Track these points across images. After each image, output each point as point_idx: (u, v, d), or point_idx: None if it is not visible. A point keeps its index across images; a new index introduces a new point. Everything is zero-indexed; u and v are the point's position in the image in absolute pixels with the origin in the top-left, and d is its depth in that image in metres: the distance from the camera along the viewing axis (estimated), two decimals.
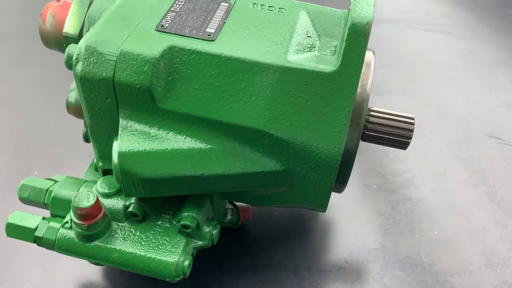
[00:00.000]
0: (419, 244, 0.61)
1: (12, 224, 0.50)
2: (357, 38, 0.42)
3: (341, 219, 0.64)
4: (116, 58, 0.43)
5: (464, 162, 0.72)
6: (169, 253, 0.47)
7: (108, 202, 0.49)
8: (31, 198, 0.52)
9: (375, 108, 0.52)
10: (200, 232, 0.49)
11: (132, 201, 0.49)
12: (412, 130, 0.51)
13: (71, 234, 0.47)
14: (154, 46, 0.44)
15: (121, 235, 0.48)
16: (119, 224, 0.49)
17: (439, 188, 0.68)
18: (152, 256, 0.46)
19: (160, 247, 0.47)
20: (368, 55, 0.48)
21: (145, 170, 0.44)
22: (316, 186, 0.47)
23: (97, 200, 0.46)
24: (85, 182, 0.52)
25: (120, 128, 0.45)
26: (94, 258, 0.47)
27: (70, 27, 0.49)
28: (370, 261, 0.59)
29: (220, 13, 0.49)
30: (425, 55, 0.95)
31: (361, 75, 0.46)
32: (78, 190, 0.50)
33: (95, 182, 0.51)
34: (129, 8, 0.48)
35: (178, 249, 0.47)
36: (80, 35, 0.50)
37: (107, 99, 0.45)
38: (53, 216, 0.50)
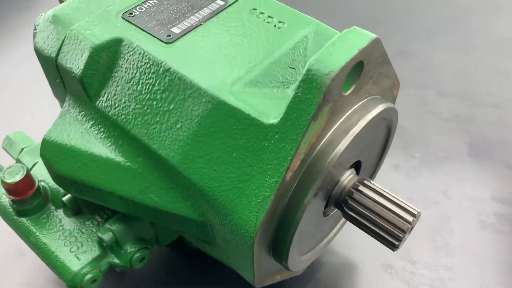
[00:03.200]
0: None
1: None
2: (308, 90, 0.30)
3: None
4: (64, 38, 0.39)
5: None
6: (75, 259, 0.42)
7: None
8: (9, 151, 0.52)
9: (370, 183, 0.38)
10: (121, 249, 0.43)
11: None
12: (404, 231, 0.36)
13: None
14: (102, 33, 0.38)
15: (48, 221, 0.45)
16: (55, 209, 0.46)
17: None
18: (59, 256, 0.43)
19: (72, 249, 0.43)
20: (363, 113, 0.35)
21: (60, 167, 0.39)
22: (239, 255, 0.36)
23: (27, 178, 0.43)
24: None
25: (59, 114, 0.41)
26: (18, 233, 0.46)
27: None
28: None
29: (205, 12, 0.40)
30: None
31: (329, 140, 0.33)
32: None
33: None
34: None
35: (86, 259, 0.42)
36: None
37: (56, 79, 0.42)
38: None
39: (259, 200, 0.32)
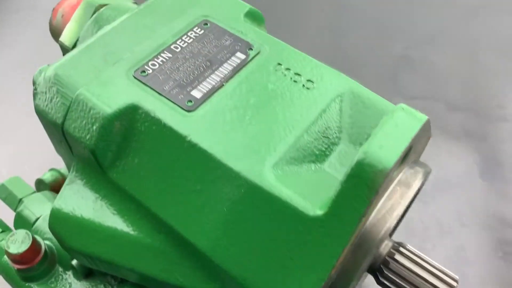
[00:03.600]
0: None
1: None
2: (359, 187, 0.27)
3: None
4: (70, 103, 0.35)
5: None
6: None
7: None
8: (6, 202, 0.48)
9: (405, 250, 0.36)
10: None
11: None
12: None
13: None
14: (114, 99, 0.34)
15: (57, 286, 0.42)
16: (63, 271, 0.43)
17: None
18: None
19: None
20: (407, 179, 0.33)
21: (73, 241, 0.36)
22: None
23: (33, 245, 0.40)
24: None
25: (67, 180, 0.38)
26: None
27: (66, 36, 0.42)
28: None
29: (226, 68, 0.36)
30: None
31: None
32: (46, 211, 0.46)
33: None
34: (122, 34, 0.38)
35: None
36: (74, 47, 0.42)
37: (61, 141, 0.38)
38: None
39: None
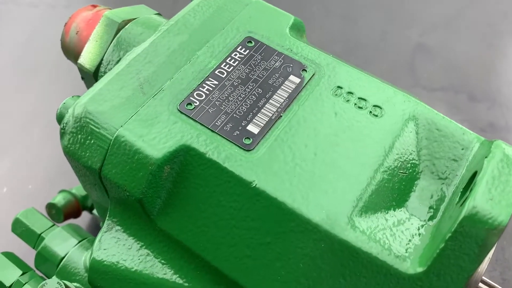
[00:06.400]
0: None
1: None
2: (467, 245, 0.24)
3: None
4: (109, 146, 0.31)
5: None
6: None
7: None
8: (22, 238, 0.44)
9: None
10: None
11: None
12: None
13: None
14: (162, 140, 0.30)
15: None
16: None
17: None
18: None
19: None
20: None
21: None
22: None
23: None
24: (82, 240, 0.42)
25: (104, 227, 0.33)
26: None
27: (86, 58, 0.36)
28: None
29: (281, 96, 0.32)
30: None
31: None
32: (70, 249, 0.41)
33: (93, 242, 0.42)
34: (156, 58, 0.34)
35: None
36: (97, 71, 0.37)
37: (95, 184, 0.33)
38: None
39: None
